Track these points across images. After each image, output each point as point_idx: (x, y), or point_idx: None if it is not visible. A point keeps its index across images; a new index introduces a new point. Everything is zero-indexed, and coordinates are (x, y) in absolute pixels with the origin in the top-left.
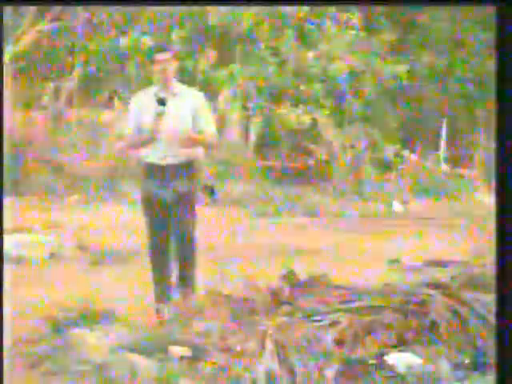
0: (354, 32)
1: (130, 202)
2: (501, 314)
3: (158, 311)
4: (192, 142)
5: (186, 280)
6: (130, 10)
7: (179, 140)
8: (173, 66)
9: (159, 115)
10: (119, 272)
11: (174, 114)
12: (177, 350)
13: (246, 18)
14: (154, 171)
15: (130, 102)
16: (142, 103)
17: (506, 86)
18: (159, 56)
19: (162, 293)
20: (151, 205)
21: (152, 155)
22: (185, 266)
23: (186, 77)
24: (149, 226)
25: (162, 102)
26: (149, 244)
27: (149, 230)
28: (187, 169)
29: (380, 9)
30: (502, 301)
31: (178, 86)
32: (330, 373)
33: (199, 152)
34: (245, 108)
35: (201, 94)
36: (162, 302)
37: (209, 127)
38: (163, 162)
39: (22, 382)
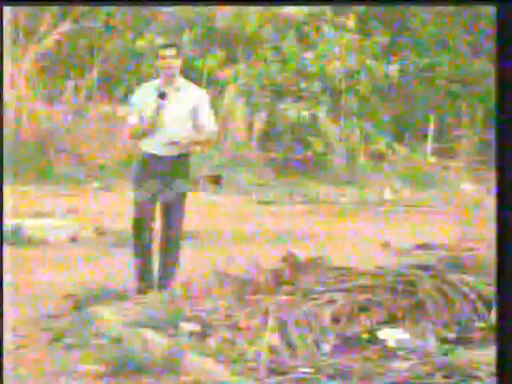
0: (349, 34)
1: None
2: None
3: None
4: (191, 143)
5: (168, 274)
6: (145, 13)
7: (179, 142)
8: (177, 62)
9: (159, 108)
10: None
11: (175, 109)
12: (186, 326)
13: (250, 21)
14: (150, 161)
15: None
16: (145, 95)
17: (506, 86)
18: (165, 52)
19: (146, 279)
20: (138, 194)
21: (150, 145)
22: (169, 261)
23: (195, 75)
24: (136, 215)
25: (162, 95)
26: (134, 234)
27: (135, 218)
28: (182, 161)
29: (373, 13)
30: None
31: (181, 82)
32: (326, 347)
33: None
34: (249, 104)
35: (203, 91)
36: (146, 285)
37: (209, 124)
38: (160, 153)
39: (45, 354)
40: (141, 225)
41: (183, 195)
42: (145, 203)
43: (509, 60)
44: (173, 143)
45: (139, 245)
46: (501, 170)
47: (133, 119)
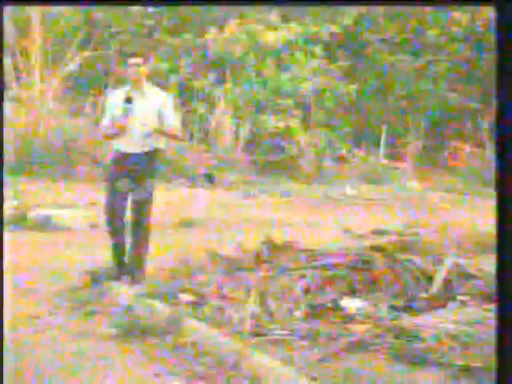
0: (317, 60)
1: None
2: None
3: None
4: (159, 133)
5: (138, 260)
6: (150, 41)
7: (148, 131)
8: (144, 69)
9: (126, 111)
10: None
11: (141, 111)
12: (184, 297)
13: (237, 48)
14: (120, 159)
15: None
16: (116, 100)
17: (506, 86)
18: (131, 60)
19: (121, 261)
20: (112, 189)
21: (121, 144)
22: (137, 248)
23: (191, 92)
24: (107, 203)
25: (128, 100)
26: (107, 221)
27: (107, 206)
28: (149, 158)
29: (337, 42)
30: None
31: (147, 87)
32: (298, 314)
33: (162, 144)
34: (235, 116)
35: (167, 95)
36: (120, 268)
37: (173, 122)
38: (129, 151)
39: (69, 319)
40: (112, 215)
41: (152, 194)
42: (117, 199)
43: (508, 60)
44: (143, 136)
45: (112, 232)
46: (501, 169)
47: (104, 121)
